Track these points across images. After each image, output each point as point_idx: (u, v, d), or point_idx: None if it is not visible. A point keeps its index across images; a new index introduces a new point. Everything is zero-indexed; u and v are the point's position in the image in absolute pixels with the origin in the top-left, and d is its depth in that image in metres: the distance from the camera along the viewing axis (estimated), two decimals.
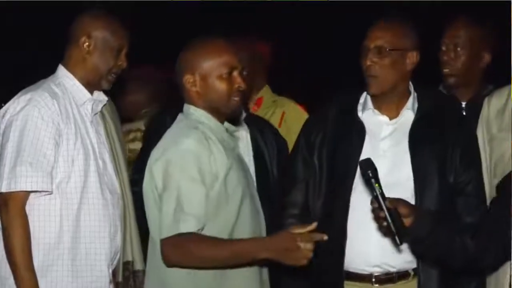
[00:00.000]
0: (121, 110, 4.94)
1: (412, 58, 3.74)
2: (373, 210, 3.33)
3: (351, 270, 3.70)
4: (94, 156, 3.63)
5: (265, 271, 3.54)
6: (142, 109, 4.94)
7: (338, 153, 3.78)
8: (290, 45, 6.93)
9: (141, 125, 4.88)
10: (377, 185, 3.28)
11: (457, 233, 3.41)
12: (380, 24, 3.75)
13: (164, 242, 3.30)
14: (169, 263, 3.33)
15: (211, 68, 3.40)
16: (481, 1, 4.02)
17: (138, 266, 3.79)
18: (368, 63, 3.71)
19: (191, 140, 3.33)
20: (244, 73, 3.76)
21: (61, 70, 3.70)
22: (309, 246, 3.18)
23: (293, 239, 3.19)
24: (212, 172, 3.31)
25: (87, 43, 3.65)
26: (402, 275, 3.69)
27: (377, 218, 3.33)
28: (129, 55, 3.72)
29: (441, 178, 3.69)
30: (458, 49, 4.41)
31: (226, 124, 3.52)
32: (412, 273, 3.69)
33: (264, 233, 3.55)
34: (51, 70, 3.74)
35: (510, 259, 3.49)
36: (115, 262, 3.73)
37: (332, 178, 3.79)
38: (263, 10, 7.67)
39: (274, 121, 4.72)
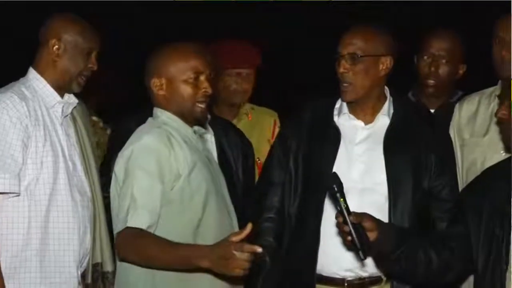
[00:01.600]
0: None
1: (386, 63, 3.69)
2: (338, 225, 3.29)
3: (324, 274, 3.65)
4: (63, 158, 3.57)
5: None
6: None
7: (313, 158, 3.74)
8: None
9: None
10: (342, 199, 3.24)
11: (422, 248, 3.40)
12: (352, 30, 3.70)
13: (116, 235, 3.29)
14: (119, 257, 3.32)
15: (177, 72, 3.38)
16: (481, 1, 4.02)
17: (108, 267, 3.73)
18: (342, 70, 3.66)
19: (151, 137, 3.31)
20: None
21: (32, 73, 3.64)
22: (245, 256, 3.04)
23: (228, 247, 3.05)
24: (172, 169, 3.28)
25: (56, 46, 3.60)
26: (374, 281, 3.66)
27: (342, 232, 3.29)
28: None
29: (415, 183, 3.66)
30: (444, 61, 4.43)
31: (195, 127, 3.48)
32: (384, 278, 3.65)
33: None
34: (24, 72, 3.69)
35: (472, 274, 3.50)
36: (84, 264, 3.67)
37: (307, 182, 3.74)
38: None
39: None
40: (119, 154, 3.40)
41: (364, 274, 3.65)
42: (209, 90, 3.40)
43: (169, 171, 3.28)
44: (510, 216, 3.33)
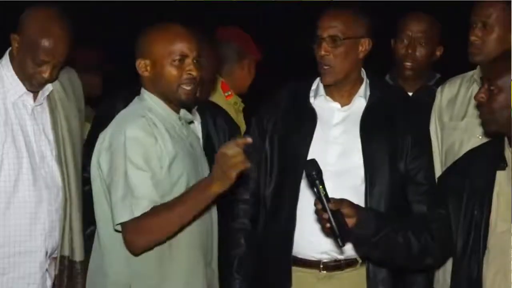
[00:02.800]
0: None
1: (365, 45, 3.64)
2: (316, 211, 3.27)
3: (300, 256, 3.60)
4: (28, 152, 3.50)
5: (214, 260, 3.46)
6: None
7: (289, 140, 3.68)
8: None
9: None
10: (321, 186, 3.22)
11: (401, 232, 3.40)
12: (331, 12, 3.63)
13: (124, 228, 3.19)
14: (137, 249, 3.22)
15: (163, 54, 3.29)
16: (481, 0, 4.01)
17: (77, 257, 3.64)
18: (322, 52, 3.60)
19: (135, 128, 3.22)
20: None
21: (5, 59, 3.57)
22: (236, 149, 3.04)
23: (219, 153, 3.07)
24: (158, 158, 3.21)
25: (15, 41, 3.51)
26: (350, 263, 3.61)
27: (321, 219, 3.27)
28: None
29: (392, 165, 3.60)
30: (421, 43, 4.41)
31: (183, 112, 3.39)
32: (360, 260, 3.61)
33: (215, 224, 3.47)
34: None
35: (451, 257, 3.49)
36: (56, 256, 3.61)
37: (283, 164, 3.68)
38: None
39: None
40: (101, 140, 3.30)
41: (340, 257, 3.60)
42: (194, 73, 3.30)
43: (155, 159, 3.21)
44: (490, 199, 3.33)
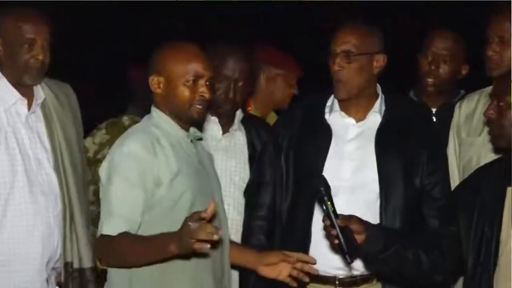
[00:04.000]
0: None
1: (379, 61, 3.62)
2: (325, 228, 3.26)
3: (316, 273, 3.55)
4: (23, 159, 3.51)
5: (226, 276, 3.41)
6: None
7: (304, 156, 3.66)
8: None
9: (104, 123, 4.80)
10: (329, 203, 3.20)
11: (411, 249, 3.36)
12: (346, 28, 3.63)
13: (95, 241, 3.24)
14: (101, 263, 3.24)
15: (177, 73, 3.27)
16: (481, 0, 3.99)
17: (86, 264, 3.63)
18: (336, 68, 3.59)
19: (135, 143, 3.21)
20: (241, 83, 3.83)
21: None
22: (196, 225, 2.94)
23: (184, 221, 2.98)
24: (153, 176, 3.19)
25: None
26: (365, 279, 3.58)
27: (329, 236, 3.26)
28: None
29: (407, 181, 3.58)
30: (445, 60, 4.36)
31: (192, 130, 3.38)
32: (376, 277, 3.58)
33: (227, 240, 3.42)
34: None
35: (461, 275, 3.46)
36: (57, 264, 3.61)
37: (299, 180, 3.67)
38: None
39: None
40: (108, 154, 3.33)
41: (356, 273, 3.57)
42: (207, 95, 3.28)
43: (151, 177, 3.19)
44: (501, 216, 3.29)
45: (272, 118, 4.86)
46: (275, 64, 4.84)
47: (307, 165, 3.66)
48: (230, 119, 4.01)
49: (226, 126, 4.01)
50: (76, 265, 3.61)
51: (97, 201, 3.67)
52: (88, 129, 4.55)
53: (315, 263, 3.47)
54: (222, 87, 3.92)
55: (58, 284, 3.62)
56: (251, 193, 3.87)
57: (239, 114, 4.05)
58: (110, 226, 3.15)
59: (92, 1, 7.05)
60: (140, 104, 4.64)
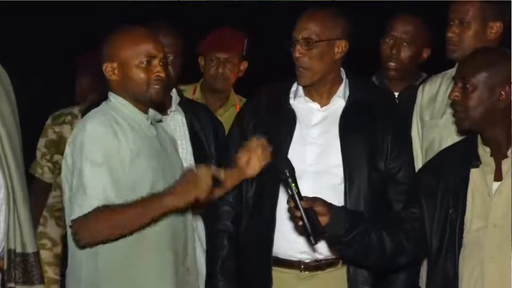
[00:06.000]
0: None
1: (341, 47, 3.59)
2: (289, 209, 3.26)
3: (280, 256, 3.57)
4: None
5: (189, 258, 3.43)
6: (87, 95, 4.87)
7: (269, 140, 3.61)
8: None
9: (74, 109, 4.81)
10: (293, 184, 3.21)
11: (375, 231, 3.38)
12: (307, 15, 3.60)
13: (72, 224, 3.18)
14: (81, 242, 3.20)
15: (130, 57, 3.27)
16: (482, 1, 4.00)
17: (30, 249, 3.57)
18: (297, 54, 3.57)
19: (95, 125, 3.21)
20: (171, 57, 3.77)
21: None
22: (205, 171, 3.08)
23: (191, 170, 3.11)
24: (117, 156, 3.19)
25: None
26: (330, 263, 3.57)
27: (293, 217, 3.25)
28: None
29: (371, 165, 3.56)
30: (405, 44, 4.34)
31: (152, 112, 3.37)
32: (341, 261, 3.57)
33: (189, 222, 3.44)
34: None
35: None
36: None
37: (264, 166, 3.61)
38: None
39: None
40: (68, 141, 3.32)
41: (320, 257, 3.56)
42: (162, 74, 3.29)
43: (115, 156, 3.19)
44: (464, 197, 3.32)
45: (232, 100, 4.84)
46: (199, 47, 4.84)
47: (272, 150, 3.64)
48: (167, 101, 3.96)
49: (164, 107, 3.95)
50: (19, 250, 3.55)
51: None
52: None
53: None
54: None
55: (0, 270, 3.54)
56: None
57: (175, 96, 4.03)
58: (90, 203, 3.13)
59: (94, 1, 6.99)
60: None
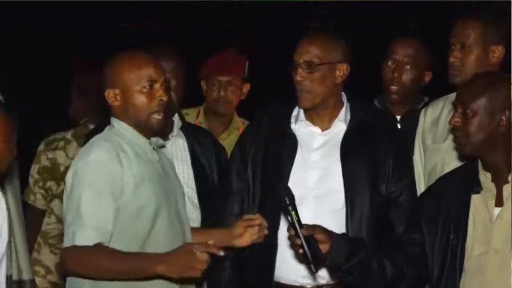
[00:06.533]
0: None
1: (342, 70, 3.59)
2: (290, 237, 3.25)
3: (282, 281, 3.56)
4: None
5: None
6: (82, 118, 4.82)
7: (270, 165, 3.64)
8: None
9: (67, 134, 4.75)
10: (293, 212, 3.21)
11: (375, 258, 3.37)
12: (308, 38, 3.61)
13: (63, 251, 3.17)
14: (67, 272, 3.18)
15: (131, 82, 3.25)
16: (481, 1, 4.00)
17: (25, 276, 3.56)
18: (299, 78, 3.57)
19: (99, 151, 3.19)
20: (173, 82, 3.78)
21: None
22: (204, 256, 3.02)
23: (189, 247, 3.05)
24: (121, 183, 3.16)
25: None
26: (332, 287, 3.57)
27: (294, 245, 3.25)
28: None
29: (373, 188, 3.56)
30: (407, 67, 4.32)
31: (154, 138, 3.37)
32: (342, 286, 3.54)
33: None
34: None
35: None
36: None
37: (265, 190, 3.65)
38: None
39: None
40: (70, 167, 3.28)
41: (322, 281, 3.54)
42: (164, 98, 3.27)
43: (118, 185, 3.17)
44: (466, 223, 3.30)
45: (235, 123, 4.83)
46: (201, 71, 4.85)
47: (273, 175, 3.63)
48: (168, 125, 3.94)
49: (165, 132, 3.94)
50: (15, 277, 3.54)
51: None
52: None
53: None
54: None
55: None
56: (220, 203, 3.83)
57: (177, 121, 4.01)
58: (84, 237, 3.10)
59: (94, 1, 6.99)
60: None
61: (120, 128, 3.31)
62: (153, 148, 3.35)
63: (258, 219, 3.50)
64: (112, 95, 3.30)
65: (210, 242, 3.07)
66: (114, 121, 3.34)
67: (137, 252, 3.15)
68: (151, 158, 3.32)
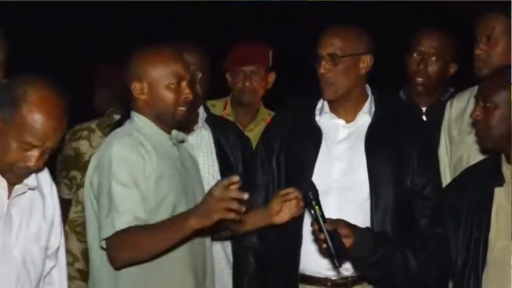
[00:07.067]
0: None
1: (366, 62, 3.59)
2: (313, 232, 3.27)
3: (307, 273, 3.56)
4: None
5: (209, 278, 3.43)
6: (107, 108, 4.86)
7: (295, 158, 3.65)
8: None
9: (92, 124, 4.77)
10: (317, 207, 3.22)
11: (399, 252, 3.38)
12: (331, 30, 3.61)
13: (107, 243, 3.18)
14: (117, 263, 3.20)
15: (160, 77, 3.28)
16: (481, 1, 4.00)
17: None
18: (322, 71, 3.58)
19: (122, 146, 3.21)
20: (199, 75, 3.82)
21: None
22: (223, 193, 2.99)
23: (210, 191, 3.05)
24: (144, 176, 3.20)
25: None
26: (357, 280, 3.55)
27: (318, 240, 3.26)
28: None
29: (397, 181, 3.55)
30: (433, 59, 4.31)
31: (175, 132, 3.39)
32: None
33: (207, 240, 3.43)
34: None
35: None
36: None
37: (290, 182, 3.64)
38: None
39: None
40: (92, 159, 3.33)
41: (347, 273, 3.55)
42: (190, 96, 3.30)
43: (142, 176, 3.20)
44: (489, 216, 3.30)
45: (262, 114, 4.85)
46: (225, 63, 4.86)
47: (297, 167, 3.63)
48: (193, 117, 3.99)
49: (190, 125, 3.99)
50: None
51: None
52: None
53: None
54: None
55: None
56: None
57: (201, 112, 4.05)
58: (122, 221, 3.13)
59: (94, 1, 7.04)
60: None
61: (140, 122, 3.34)
62: (173, 143, 3.37)
63: (293, 192, 3.51)
64: (138, 88, 3.32)
65: (234, 179, 3.03)
66: (135, 115, 3.36)
67: (169, 218, 3.18)
68: (170, 153, 3.35)
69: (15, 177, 2.95)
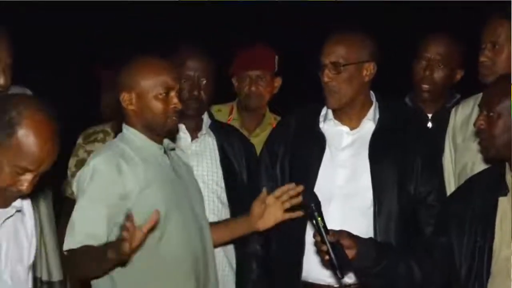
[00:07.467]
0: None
1: (369, 69, 3.58)
2: (316, 243, 3.25)
3: (310, 280, 3.56)
4: None
5: (211, 284, 3.42)
6: (113, 112, 4.83)
7: (298, 165, 3.64)
8: None
9: (106, 126, 4.78)
10: (319, 218, 3.20)
11: (403, 261, 3.37)
12: (333, 39, 3.59)
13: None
14: (73, 277, 3.30)
15: (148, 88, 3.28)
16: (481, 1, 3.99)
17: (55, 277, 3.60)
18: (326, 79, 3.56)
19: (99, 159, 3.25)
20: (204, 81, 3.83)
21: None
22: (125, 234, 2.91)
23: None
24: (119, 191, 3.20)
25: None
26: (360, 287, 3.54)
27: (320, 251, 3.25)
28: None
29: (401, 188, 3.53)
30: (440, 65, 4.29)
31: (166, 141, 3.40)
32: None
33: (208, 247, 3.43)
34: None
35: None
36: None
37: None
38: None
39: None
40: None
41: (350, 281, 3.53)
42: (179, 106, 3.31)
43: (115, 193, 3.21)
44: (493, 225, 3.28)
45: (268, 119, 4.84)
46: (231, 68, 4.85)
47: (301, 174, 3.62)
48: (197, 124, 3.99)
49: (194, 132, 3.99)
50: (45, 278, 3.56)
51: None
52: None
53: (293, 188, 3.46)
54: (186, 86, 3.90)
55: None
56: (249, 201, 3.83)
57: (206, 119, 4.04)
58: (70, 242, 3.18)
59: (94, 1, 7.03)
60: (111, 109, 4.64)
61: (129, 134, 3.35)
62: (164, 152, 3.37)
63: (275, 194, 3.48)
64: (127, 99, 3.33)
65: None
66: (124, 128, 3.38)
67: (105, 244, 3.15)
68: (161, 162, 3.35)
69: (4, 201, 2.87)
